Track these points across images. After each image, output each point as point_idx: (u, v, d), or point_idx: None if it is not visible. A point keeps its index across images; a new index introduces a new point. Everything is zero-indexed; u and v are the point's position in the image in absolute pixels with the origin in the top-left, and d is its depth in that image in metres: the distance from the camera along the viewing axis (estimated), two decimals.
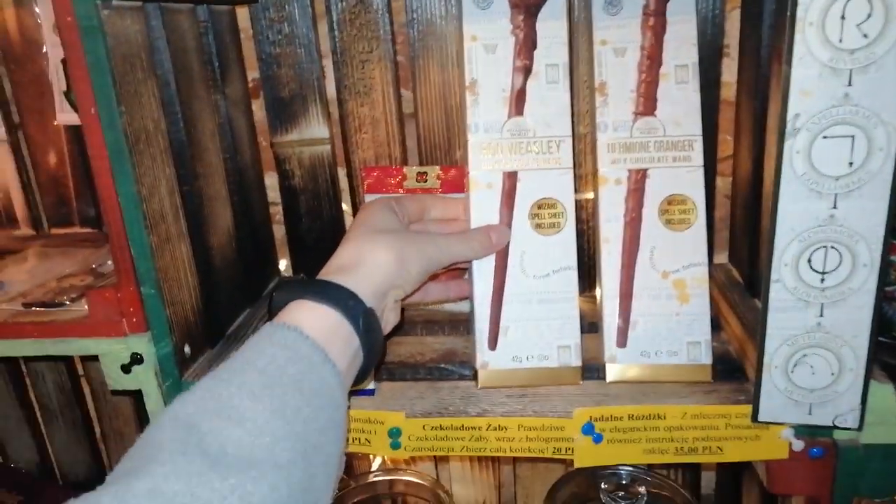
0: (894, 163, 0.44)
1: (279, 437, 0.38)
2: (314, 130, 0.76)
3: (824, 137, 0.44)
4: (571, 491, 0.72)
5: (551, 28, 0.58)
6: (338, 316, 0.46)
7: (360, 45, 0.72)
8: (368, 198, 0.72)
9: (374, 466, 0.88)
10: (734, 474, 0.83)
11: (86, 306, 0.59)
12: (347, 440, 0.53)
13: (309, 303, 0.46)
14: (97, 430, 0.97)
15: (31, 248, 0.80)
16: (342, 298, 0.46)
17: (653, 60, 0.59)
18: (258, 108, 0.77)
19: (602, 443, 0.53)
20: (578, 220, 0.72)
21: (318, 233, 0.79)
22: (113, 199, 0.53)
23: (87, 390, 0.95)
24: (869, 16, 0.42)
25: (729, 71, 0.70)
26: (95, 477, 0.98)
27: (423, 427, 0.55)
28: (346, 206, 0.79)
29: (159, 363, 0.57)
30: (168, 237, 0.58)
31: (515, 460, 0.89)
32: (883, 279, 0.46)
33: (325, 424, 0.42)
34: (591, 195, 0.71)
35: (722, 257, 0.77)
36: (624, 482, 0.69)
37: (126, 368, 0.57)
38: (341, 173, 0.78)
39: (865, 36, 0.42)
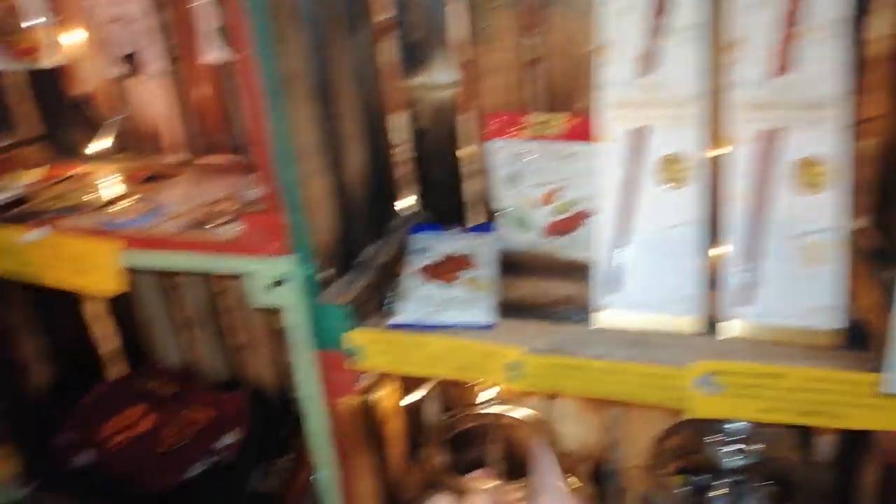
0: None
1: None
2: (441, 75, 0.77)
3: None
4: (678, 442, 0.73)
5: None
6: None
7: None
8: (489, 144, 0.73)
9: (483, 399, 0.92)
10: (850, 442, 0.80)
11: (236, 229, 0.65)
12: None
13: None
14: (235, 339, 1.07)
15: (183, 174, 0.88)
16: None
17: (795, 14, 0.56)
18: (387, 51, 0.79)
19: (718, 395, 0.54)
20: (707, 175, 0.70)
21: (440, 174, 0.82)
22: (264, 135, 0.58)
23: (226, 304, 1.04)
24: None
25: (880, 26, 0.65)
26: (234, 382, 1.09)
27: (541, 364, 0.57)
28: (471, 149, 0.81)
29: (302, 284, 0.63)
30: (311, 171, 0.62)
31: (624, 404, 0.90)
32: None
33: None
34: (721, 150, 0.70)
35: (863, 220, 0.73)
36: (732, 439, 0.68)
37: (273, 287, 0.63)
38: (462, 118, 0.79)
39: None
